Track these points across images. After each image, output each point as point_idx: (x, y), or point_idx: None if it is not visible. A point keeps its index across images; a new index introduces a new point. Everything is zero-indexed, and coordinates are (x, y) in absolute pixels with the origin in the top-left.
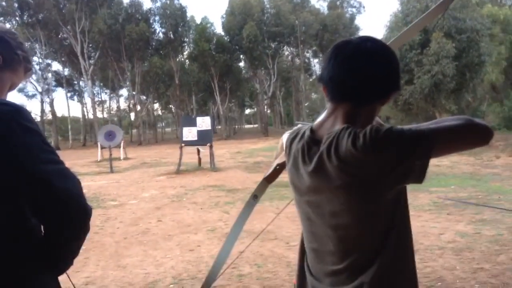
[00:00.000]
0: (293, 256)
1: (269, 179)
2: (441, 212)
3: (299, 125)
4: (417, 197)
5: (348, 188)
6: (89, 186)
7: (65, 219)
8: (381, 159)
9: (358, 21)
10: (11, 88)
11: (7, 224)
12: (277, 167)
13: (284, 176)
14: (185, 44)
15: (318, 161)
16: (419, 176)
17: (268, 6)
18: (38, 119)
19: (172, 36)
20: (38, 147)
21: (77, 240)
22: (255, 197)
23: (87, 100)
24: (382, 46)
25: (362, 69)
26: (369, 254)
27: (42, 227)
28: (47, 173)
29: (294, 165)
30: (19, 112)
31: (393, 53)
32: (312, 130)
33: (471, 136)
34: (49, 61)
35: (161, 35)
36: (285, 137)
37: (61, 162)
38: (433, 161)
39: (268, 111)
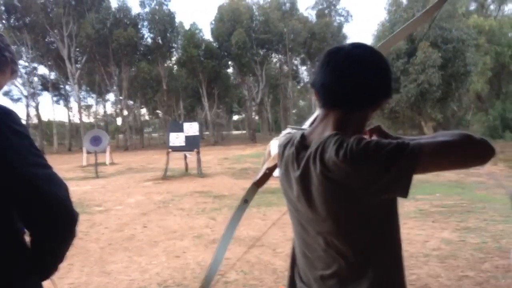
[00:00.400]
0: (280, 263)
1: (259, 183)
2: (426, 219)
3: (289, 130)
4: (402, 205)
5: (330, 194)
6: (74, 191)
7: (52, 224)
8: (360, 171)
9: (346, 29)
10: None
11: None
12: (267, 171)
13: (271, 183)
14: (174, 49)
15: (304, 166)
16: (402, 190)
17: (257, 13)
18: (23, 123)
19: (160, 41)
20: (27, 150)
21: (63, 246)
22: (246, 201)
23: (73, 104)
24: (373, 53)
25: (353, 76)
26: (356, 263)
27: (28, 231)
28: (36, 176)
29: (286, 171)
30: (8, 114)
31: (384, 60)
32: (303, 136)
33: (466, 153)
34: (35, 64)
35: (149, 40)
36: (272, 143)
37: (50, 167)
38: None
39: (256, 118)
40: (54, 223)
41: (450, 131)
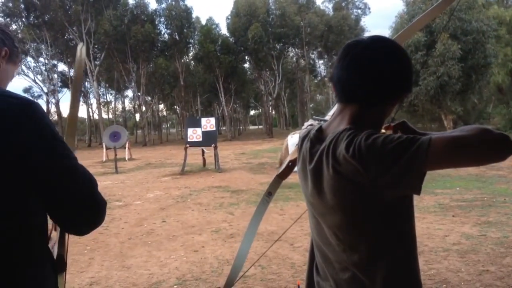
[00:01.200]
0: (297, 258)
1: (282, 175)
2: (446, 214)
3: (311, 122)
4: (422, 199)
5: (340, 188)
6: None
7: (79, 213)
8: (367, 166)
9: (364, 22)
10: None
11: (13, 221)
12: (290, 164)
13: (289, 177)
14: (190, 45)
15: (318, 160)
16: (413, 186)
17: (273, 7)
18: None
19: (177, 37)
20: (51, 140)
21: (88, 230)
22: (269, 194)
23: (93, 101)
24: (393, 47)
25: (369, 70)
26: (369, 257)
27: (55, 220)
28: (61, 167)
29: (303, 164)
30: (30, 105)
31: (404, 54)
32: (320, 129)
33: (480, 149)
34: (55, 62)
35: (166, 36)
36: (290, 138)
37: (74, 157)
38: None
39: (273, 112)
40: (82, 211)
41: (470, 126)
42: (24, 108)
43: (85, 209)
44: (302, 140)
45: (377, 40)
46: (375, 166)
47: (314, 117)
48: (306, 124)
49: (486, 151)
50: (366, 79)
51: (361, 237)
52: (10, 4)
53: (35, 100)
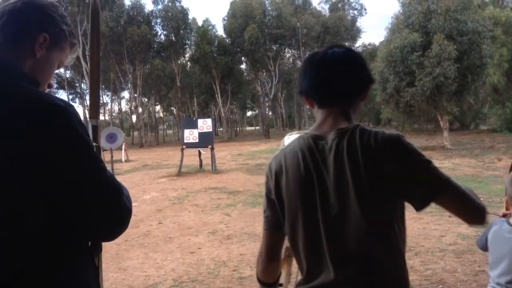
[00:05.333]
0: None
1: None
2: (443, 214)
3: (289, 138)
4: None
5: (356, 176)
6: None
7: (103, 221)
8: (396, 167)
9: (360, 23)
10: (59, 66)
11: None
12: None
13: None
14: (187, 46)
15: (335, 155)
16: (418, 204)
17: (269, 8)
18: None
19: (173, 38)
20: (80, 146)
21: (114, 236)
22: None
23: (89, 102)
24: (349, 50)
25: (338, 73)
26: (386, 257)
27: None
28: (87, 173)
29: (307, 175)
30: (62, 109)
31: (359, 54)
32: (308, 134)
33: (473, 216)
34: None
35: (162, 37)
36: (286, 139)
37: (102, 166)
38: (435, 163)
39: (270, 113)
40: (107, 219)
41: (475, 196)
42: (56, 111)
43: (110, 217)
44: (278, 175)
45: (331, 47)
46: (403, 170)
47: (288, 134)
48: (287, 141)
49: (474, 218)
50: (345, 80)
51: (380, 238)
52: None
53: (69, 103)
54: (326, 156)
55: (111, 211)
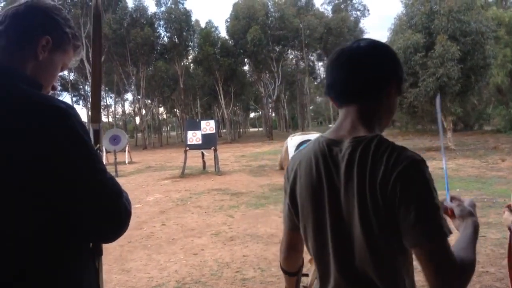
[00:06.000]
0: None
1: None
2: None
3: (298, 140)
4: None
5: (360, 193)
6: None
7: (102, 224)
8: (401, 193)
9: (363, 24)
10: (63, 69)
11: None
12: None
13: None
14: (190, 48)
15: (347, 166)
16: (410, 241)
17: (272, 9)
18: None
19: (176, 40)
20: (80, 149)
21: (113, 238)
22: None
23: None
24: (371, 42)
25: (356, 69)
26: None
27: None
28: (87, 176)
29: (318, 181)
30: (64, 111)
31: (384, 46)
32: (324, 137)
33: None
34: None
35: (166, 39)
36: (289, 140)
37: (103, 168)
38: (438, 164)
39: (273, 115)
40: (106, 222)
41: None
42: (57, 113)
43: (109, 218)
44: (294, 177)
45: (357, 41)
46: (408, 198)
47: (291, 136)
48: (290, 142)
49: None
50: (354, 79)
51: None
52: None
53: (71, 105)
54: (339, 164)
55: (110, 212)
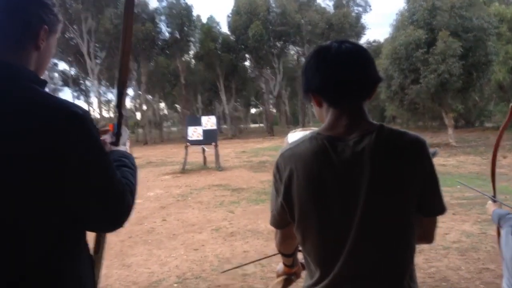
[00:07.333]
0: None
1: None
2: (447, 211)
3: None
4: None
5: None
6: None
7: (102, 218)
8: (418, 171)
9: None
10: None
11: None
12: None
13: None
14: (191, 43)
15: (359, 158)
16: (432, 211)
17: (273, 5)
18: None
19: (178, 35)
20: (93, 152)
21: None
22: None
23: (94, 99)
24: (358, 45)
25: (353, 70)
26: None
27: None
28: (97, 177)
29: (321, 180)
30: (77, 115)
31: (367, 50)
32: (322, 134)
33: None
34: (55, 60)
35: (167, 34)
36: (290, 136)
37: (113, 172)
38: (439, 161)
39: (274, 111)
40: (107, 219)
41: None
42: (71, 118)
43: (111, 218)
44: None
45: (343, 42)
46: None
47: (292, 132)
48: (290, 138)
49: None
50: (359, 76)
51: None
52: None
53: (84, 109)
54: (346, 159)
55: (113, 212)
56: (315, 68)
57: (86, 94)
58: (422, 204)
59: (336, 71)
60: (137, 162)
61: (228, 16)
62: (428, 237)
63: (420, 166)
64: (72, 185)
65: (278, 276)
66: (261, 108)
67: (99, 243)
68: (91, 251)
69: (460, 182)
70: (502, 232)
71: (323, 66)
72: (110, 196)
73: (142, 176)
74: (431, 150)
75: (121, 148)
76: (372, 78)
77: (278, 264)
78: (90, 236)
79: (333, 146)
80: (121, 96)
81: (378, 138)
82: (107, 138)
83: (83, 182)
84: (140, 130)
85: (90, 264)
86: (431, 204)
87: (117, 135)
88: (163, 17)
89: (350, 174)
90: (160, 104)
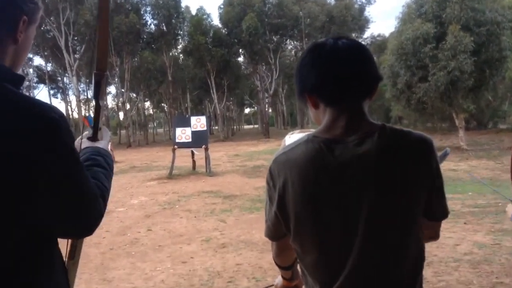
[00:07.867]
0: None
1: None
2: (458, 221)
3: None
4: None
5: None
6: None
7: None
8: (425, 172)
9: (368, 12)
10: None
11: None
12: None
13: None
14: (179, 37)
15: (362, 162)
16: (438, 215)
17: None
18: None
19: (165, 28)
20: (65, 157)
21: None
22: None
23: (72, 98)
24: (356, 42)
25: (353, 68)
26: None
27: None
28: (67, 182)
29: (319, 186)
30: (52, 120)
31: (366, 47)
32: (319, 137)
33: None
34: (30, 55)
35: (153, 27)
36: (287, 138)
37: (85, 177)
38: (449, 166)
39: (270, 110)
40: (75, 225)
41: None
42: (43, 125)
43: (80, 222)
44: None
45: (339, 38)
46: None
47: (290, 134)
48: (288, 141)
49: None
50: (366, 75)
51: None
52: None
53: (60, 113)
54: (345, 163)
55: (84, 216)
56: (310, 65)
57: (64, 91)
58: (427, 207)
59: (333, 66)
60: (120, 166)
61: (220, 7)
62: (433, 238)
63: (426, 167)
64: (39, 196)
65: None
66: (255, 108)
67: (75, 248)
68: (66, 256)
69: (495, 189)
70: None
71: (318, 62)
72: (81, 206)
73: (125, 182)
74: (443, 150)
75: (99, 144)
76: (372, 75)
77: (277, 278)
78: (65, 241)
79: (330, 149)
80: (98, 85)
81: (381, 139)
82: (84, 139)
83: (51, 194)
84: (123, 132)
85: (64, 273)
86: (436, 208)
87: (95, 128)
88: (148, 8)
89: (350, 179)
90: (145, 103)
